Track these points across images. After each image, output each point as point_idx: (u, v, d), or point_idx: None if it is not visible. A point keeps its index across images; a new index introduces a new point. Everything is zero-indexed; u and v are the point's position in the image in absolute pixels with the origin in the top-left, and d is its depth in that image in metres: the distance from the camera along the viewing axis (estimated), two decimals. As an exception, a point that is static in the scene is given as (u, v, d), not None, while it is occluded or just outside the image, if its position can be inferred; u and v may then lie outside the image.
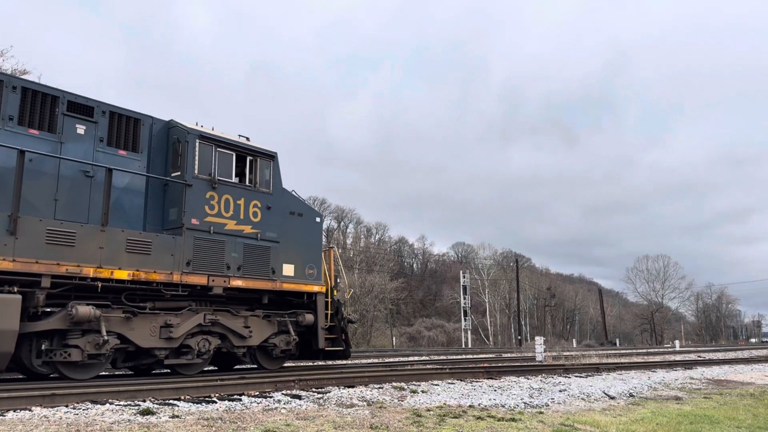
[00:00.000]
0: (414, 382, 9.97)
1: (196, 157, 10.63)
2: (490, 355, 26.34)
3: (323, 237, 14.60)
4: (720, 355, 28.75)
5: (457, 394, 8.78)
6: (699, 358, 24.36)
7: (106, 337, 9.18)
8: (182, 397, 7.29)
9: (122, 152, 10.23)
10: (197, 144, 10.70)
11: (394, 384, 9.56)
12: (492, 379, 11.41)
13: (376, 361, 19.25)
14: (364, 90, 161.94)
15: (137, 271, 9.56)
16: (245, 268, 11.09)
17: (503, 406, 7.84)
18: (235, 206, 11.11)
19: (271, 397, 7.74)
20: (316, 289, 12.49)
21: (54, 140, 9.41)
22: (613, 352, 30.63)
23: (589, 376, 13.15)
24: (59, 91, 9.61)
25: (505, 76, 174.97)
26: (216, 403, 7.00)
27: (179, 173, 10.53)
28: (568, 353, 24.29)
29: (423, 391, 8.96)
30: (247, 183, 11.48)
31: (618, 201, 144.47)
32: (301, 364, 15.09)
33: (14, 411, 5.95)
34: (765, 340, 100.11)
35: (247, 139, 11.98)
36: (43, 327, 8.79)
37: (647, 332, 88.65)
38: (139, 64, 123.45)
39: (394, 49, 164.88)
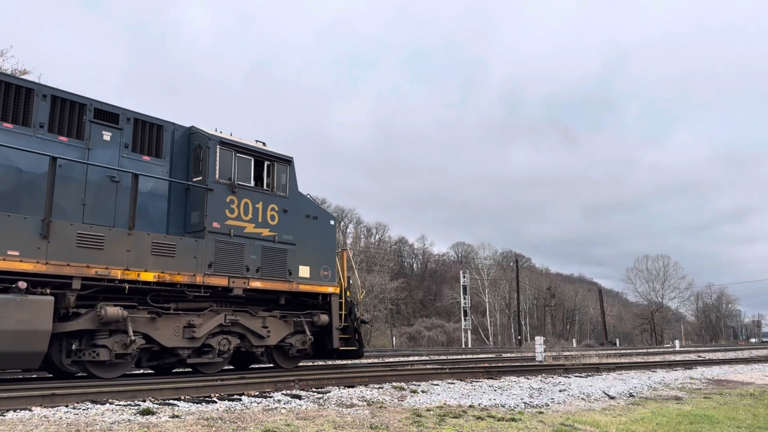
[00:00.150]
0: (414, 382, 10.01)
1: (217, 163, 10.96)
2: (490, 355, 26.41)
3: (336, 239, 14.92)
4: (720, 355, 28.80)
5: (457, 394, 8.80)
6: (699, 358, 24.42)
7: (133, 337, 9.50)
8: (182, 397, 7.33)
9: (146, 158, 10.55)
10: (218, 150, 11.03)
11: (394, 384, 9.61)
12: (492, 379, 11.46)
13: (376, 361, 19.28)
14: (364, 90, 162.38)
15: (162, 273, 9.88)
16: (263, 269, 11.42)
17: (503, 406, 7.86)
18: (254, 210, 11.44)
19: (271, 397, 7.78)
20: (330, 290, 12.83)
21: (82, 147, 9.74)
22: (613, 352, 30.66)
23: (589, 376, 13.19)
24: (86, 99, 9.92)
25: (504, 76, 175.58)
26: (216, 403, 7.02)
27: (201, 178, 10.85)
28: (568, 353, 24.33)
29: (423, 391, 8.99)
30: (264, 187, 11.81)
31: (618, 201, 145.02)
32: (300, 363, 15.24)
33: (14, 411, 5.96)
34: (765, 340, 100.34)
35: (264, 144, 12.31)
36: (74, 327, 9.11)
37: (647, 332, 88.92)
38: (138, 63, 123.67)
39: (393, 49, 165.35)
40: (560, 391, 9.84)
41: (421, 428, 5.88)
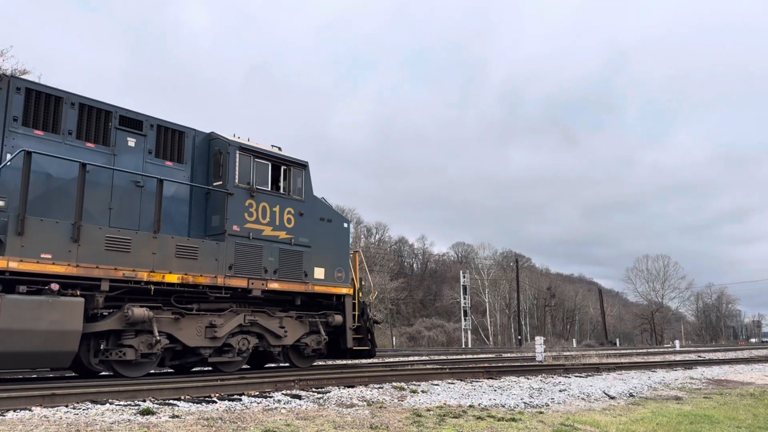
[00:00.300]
0: (414, 382, 10.07)
1: (237, 168, 11.28)
2: (490, 355, 26.50)
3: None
4: (720, 355, 28.92)
5: (457, 394, 8.83)
6: (699, 358, 24.53)
7: (158, 337, 9.83)
8: (182, 397, 7.37)
9: (169, 163, 10.88)
10: (237, 155, 11.36)
11: (394, 384, 9.66)
12: (492, 379, 11.51)
13: (376, 361, 19.42)
14: (364, 90, 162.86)
15: (186, 274, 10.20)
16: (281, 271, 11.75)
17: (503, 406, 7.88)
18: (271, 213, 11.77)
19: (271, 397, 7.82)
20: (344, 291, 13.17)
21: (108, 153, 10.06)
22: (613, 352, 30.76)
23: (589, 376, 13.24)
24: (112, 107, 10.24)
25: (504, 76, 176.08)
26: (216, 403, 7.05)
27: (221, 182, 11.17)
28: (568, 353, 24.45)
29: (423, 391, 9.02)
30: (281, 191, 12.14)
31: (618, 201, 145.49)
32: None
33: (14, 411, 5.98)
34: (765, 340, 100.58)
35: (280, 149, 12.64)
36: (102, 327, 9.43)
37: (647, 332, 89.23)
38: (138, 63, 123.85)
39: (393, 49, 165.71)
40: (560, 391, 9.94)
41: (421, 428, 5.91)
